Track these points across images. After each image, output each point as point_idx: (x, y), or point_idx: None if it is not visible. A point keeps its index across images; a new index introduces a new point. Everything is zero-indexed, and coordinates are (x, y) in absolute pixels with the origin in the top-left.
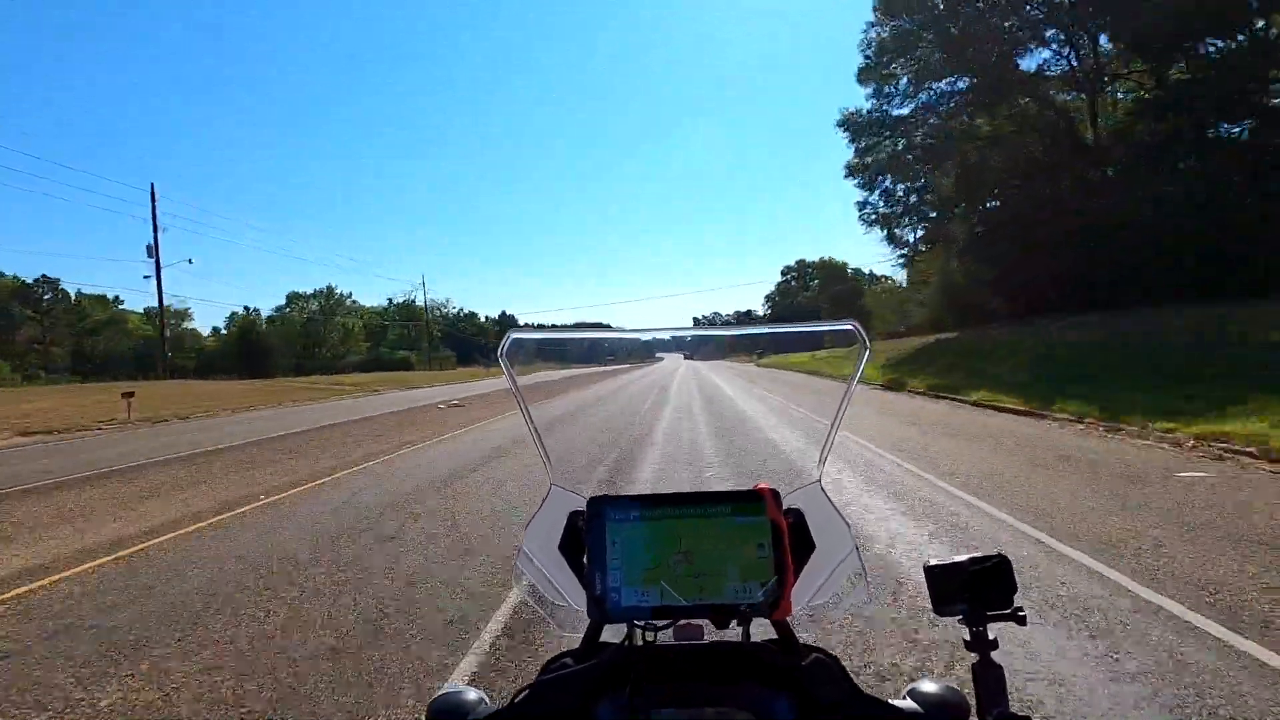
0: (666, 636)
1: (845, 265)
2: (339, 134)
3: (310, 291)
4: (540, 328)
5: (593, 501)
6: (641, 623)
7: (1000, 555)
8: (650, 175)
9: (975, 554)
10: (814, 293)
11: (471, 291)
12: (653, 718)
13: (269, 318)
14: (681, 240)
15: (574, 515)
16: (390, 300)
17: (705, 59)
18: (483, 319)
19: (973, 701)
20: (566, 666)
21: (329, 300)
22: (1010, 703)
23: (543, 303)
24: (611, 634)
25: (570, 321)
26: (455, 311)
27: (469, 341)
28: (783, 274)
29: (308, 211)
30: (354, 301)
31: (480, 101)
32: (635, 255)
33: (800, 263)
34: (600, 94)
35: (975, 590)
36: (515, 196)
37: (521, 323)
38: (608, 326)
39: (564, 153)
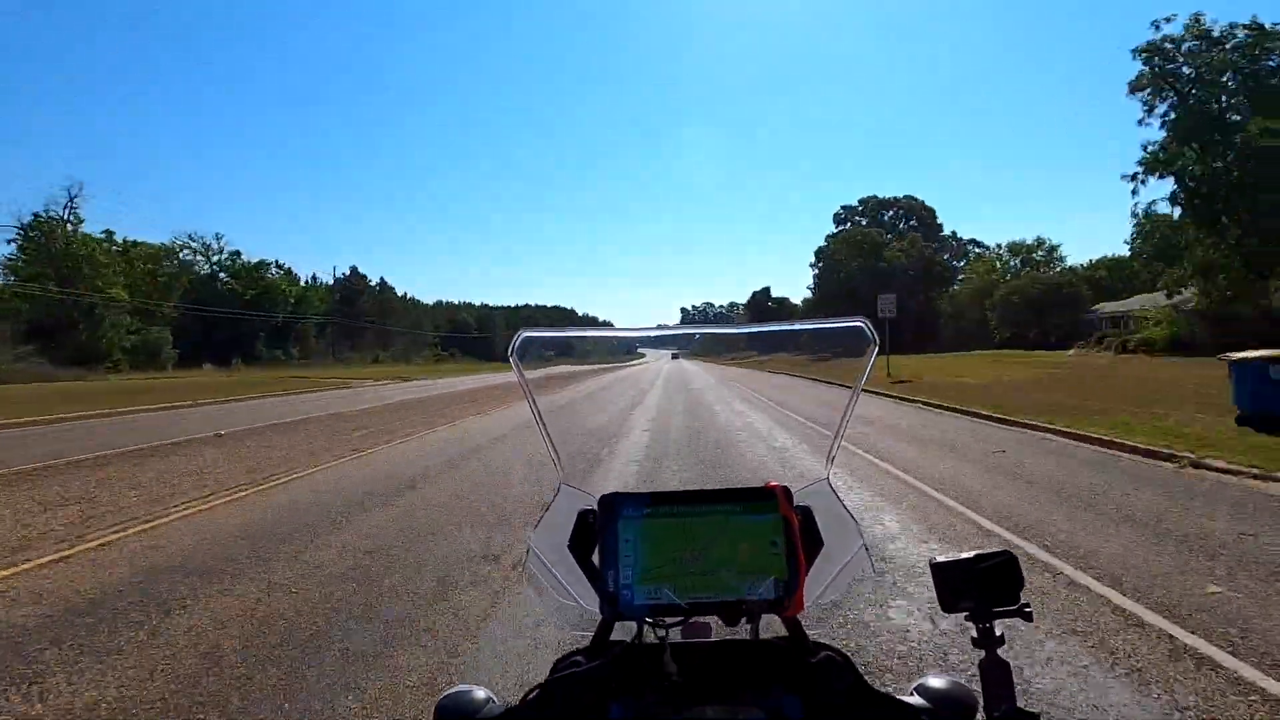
0: (677, 634)
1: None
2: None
3: None
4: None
5: (605, 499)
6: (652, 620)
7: (1007, 552)
8: (648, 175)
9: (982, 550)
10: (908, 241)
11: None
12: (663, 716)
13: None
14: (680, 241)
15: (583, 514)
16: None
17: (705, 62)
18: (302, 277)
19: (981, 697)
20: (577, 665)
21: None
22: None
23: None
24: (622, 632)
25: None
26: (225, 260)
27: (224, 318)
28: (837, 221)
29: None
30: None
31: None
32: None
33: (870, 200)
34: (596, 97)
35: (982, 587)
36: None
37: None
38: (609, 324)
39: (560, 154)
